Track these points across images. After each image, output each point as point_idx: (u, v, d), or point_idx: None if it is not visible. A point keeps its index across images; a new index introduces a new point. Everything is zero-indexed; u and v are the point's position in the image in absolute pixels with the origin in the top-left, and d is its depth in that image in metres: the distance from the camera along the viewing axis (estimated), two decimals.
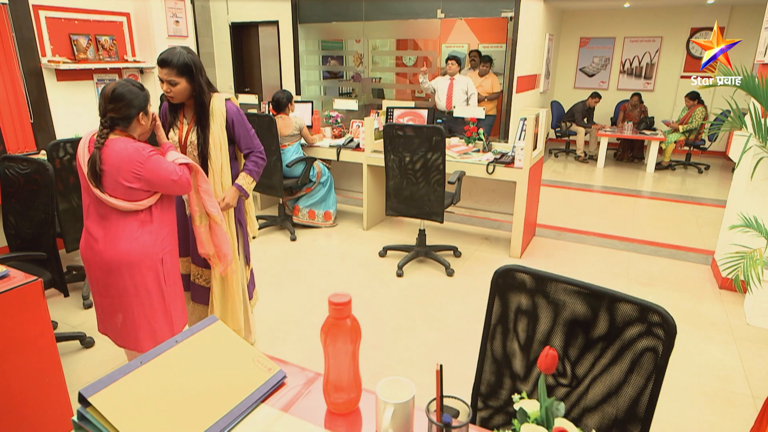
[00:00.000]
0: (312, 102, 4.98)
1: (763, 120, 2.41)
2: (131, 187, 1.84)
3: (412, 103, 4.84)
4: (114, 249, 1.87)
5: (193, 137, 2.18)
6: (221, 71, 7.30)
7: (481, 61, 6.27)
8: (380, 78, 7.86)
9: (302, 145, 4.42)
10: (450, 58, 5.59)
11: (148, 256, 1.90)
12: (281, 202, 4.46)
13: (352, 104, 5.03)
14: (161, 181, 1.86)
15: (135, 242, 1.88)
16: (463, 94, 5.60)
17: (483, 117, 4.53)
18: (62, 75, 4.65)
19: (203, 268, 2.37)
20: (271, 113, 4.23)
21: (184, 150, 2.20)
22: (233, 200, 2.26)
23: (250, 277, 2.56)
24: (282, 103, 4.21)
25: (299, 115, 4.69)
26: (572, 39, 8.66)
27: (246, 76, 7.70)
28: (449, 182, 3.40)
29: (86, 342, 2.65)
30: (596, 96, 7.66)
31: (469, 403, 1.10)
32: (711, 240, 4.20)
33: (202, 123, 2.15)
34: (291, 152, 4.24)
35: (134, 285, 1.90)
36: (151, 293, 1.94)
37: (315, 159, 4.33)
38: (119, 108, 1.81)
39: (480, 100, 5.85)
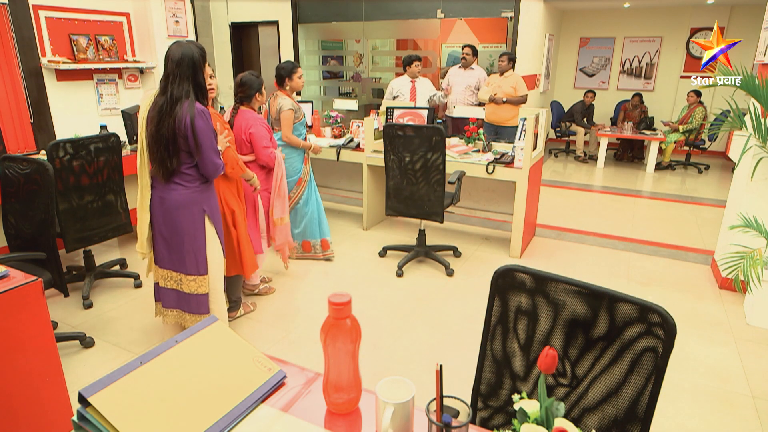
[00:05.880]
0: (312, 102, 4.98)
1: (763, 120, 2.41)
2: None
3: (411, 103, 4.84)
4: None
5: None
6: (221, 71, 7.29)
7: (502, 57, 5.18)
8: (380, 78, 7.86)
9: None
10: (414, 59, 5.03)
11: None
12: None
13: (352, 104, 5.03)
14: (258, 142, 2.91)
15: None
16: (426, 98, 4.99)
17: (480, 117, 4.47)
18: (62, 75, 4.65)
19: (170, 270, 2.36)
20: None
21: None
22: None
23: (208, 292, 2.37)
24: None
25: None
26: (572, 39, 8.66)
27: None
28: (449, 182, 3.40)
29: (86, 342, 2.65)
30: (591, 92, 7.76)
31: (469, 403, 1.10)
32: (711, 240, 4.20)
33: None
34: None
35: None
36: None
37: None
38: (245, 90, 2.89)
39: (497, 103, 5.05)
